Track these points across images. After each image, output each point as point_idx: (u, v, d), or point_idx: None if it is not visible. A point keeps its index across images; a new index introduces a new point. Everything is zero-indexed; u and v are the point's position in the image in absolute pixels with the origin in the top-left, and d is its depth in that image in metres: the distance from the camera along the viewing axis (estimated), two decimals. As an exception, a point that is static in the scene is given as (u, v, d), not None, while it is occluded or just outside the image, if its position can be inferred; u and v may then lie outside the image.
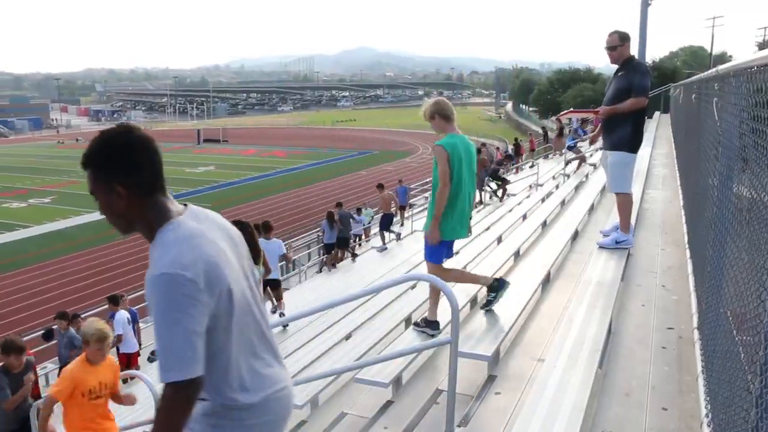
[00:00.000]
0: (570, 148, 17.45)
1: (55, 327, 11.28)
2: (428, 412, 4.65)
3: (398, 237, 18.49)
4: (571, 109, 16.12)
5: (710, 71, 5.51)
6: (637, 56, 21.54)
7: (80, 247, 30.96)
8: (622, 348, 4.48)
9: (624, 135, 5.77)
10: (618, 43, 5.86)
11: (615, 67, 6.02)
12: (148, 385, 5.49)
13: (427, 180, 24.12)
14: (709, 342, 3.74)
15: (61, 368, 11.24)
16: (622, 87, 5.72)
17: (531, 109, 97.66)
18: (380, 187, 19.71)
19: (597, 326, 4.43)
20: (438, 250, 5.37)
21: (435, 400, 4.70)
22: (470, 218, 5.55)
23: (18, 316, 21.40)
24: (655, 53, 79.88)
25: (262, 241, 10.94)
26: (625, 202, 6.16)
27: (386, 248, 17.80)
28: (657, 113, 26.46)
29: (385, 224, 18.72)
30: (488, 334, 4.93)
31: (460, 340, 4.70)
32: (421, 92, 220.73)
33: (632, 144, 5.84)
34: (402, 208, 22.50)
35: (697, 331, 4.33)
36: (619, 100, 5.70)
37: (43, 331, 13.53)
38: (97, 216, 31.08)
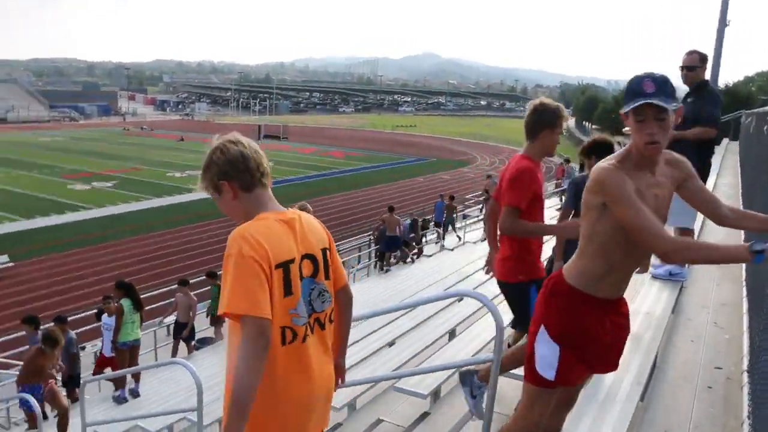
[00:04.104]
0: None
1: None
2: (463, 429, 4.64)
3: (405, 259, 18.96)
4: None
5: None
6: (710, 78, 21.00)
7: (142, 231, 31.84)
8: (665, 383, 4.37)
9: None
10: (698, 64, 5.66)
11: (683, 87, 5.84)
12: (191, 373, 5.57)
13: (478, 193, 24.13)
14: (758, 386, 3.63)
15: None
16: (689, 115, 5.46)
17: (594, 126, 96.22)
18: (390, 209, 19.75)
19: (642, 358, 4.34)
20: None
21: (472, 417, 4.67)
22: None
23: (79, 292, 22.15)
24: (728, 77, 77.83)
25: None
26: (684, 237, 5.99)
27: (390, 270, 17.92)
28: (725, 140, 25.73)
29: (390, 246, 18.75)
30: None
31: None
32: (483, 102, 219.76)
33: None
34: (437, 225, 22.68)
35: (747, 374, 4.20)
36: (685, 128, 5.47)
37: (96, 311, 13.93)
38: (157, 202, 32.47)
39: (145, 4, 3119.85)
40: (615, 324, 2.84)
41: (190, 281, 13.58)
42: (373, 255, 20.82)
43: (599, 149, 4.92)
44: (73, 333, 10.80)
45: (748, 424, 3.56)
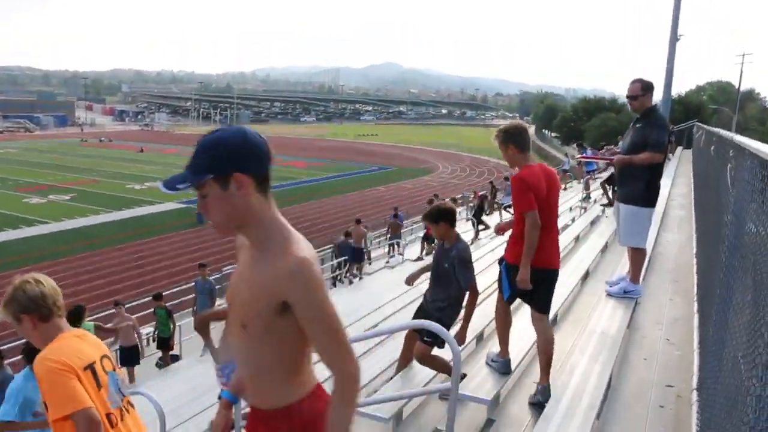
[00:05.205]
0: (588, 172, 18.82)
1: None
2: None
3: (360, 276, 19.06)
4: (584, 154, 16.66)
5: (728, 134, 5.51)
6: (663, 89, 21.43)
7: (98, 246, 31.29)
8: (619, 404, 4.50)
9: (636, 189, 5.77)
10: (639, 93, 5.78)
11: None
12: (153, 403, 5.55)
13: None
14: (706, 406, 3.76)
15: None
16: (638, 140, 5.69)
17: (553, 134, 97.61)
18: (357, 222, 20.06)
19: (597, 380, 4.46)
20: None
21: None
22: None
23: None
24: (681, 87, 79.85)
25: None
26: (637, 255, 6.19)
27: (353, 281, 18.11)
28: (679, 149, 26.35)
29: (356, 257, 18.97)
30: (491, 375, 4.97)
31: (463, 379, 4.76)
32: (444, 111, 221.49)
33: (645, 199, 5.81)
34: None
35: (696, 392, 4.34)
36: (634, 153, 5.68)
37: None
38: (116, 215, 31.63)
39: (102, 11, 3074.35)
40: None
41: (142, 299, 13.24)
42: (335, 267, 20.89)
43: (446, 215, 5.27)
44: (9, 369, 10.04)
45: (696, 444, 3.69)
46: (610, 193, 14.93)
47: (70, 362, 2.71)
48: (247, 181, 2.00)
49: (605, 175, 17.26)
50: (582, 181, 19.36)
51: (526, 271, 4.46)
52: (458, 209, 26.31)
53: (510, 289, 4.70)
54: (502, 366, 4.98)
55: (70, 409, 2.61)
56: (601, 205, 15.41)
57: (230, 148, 2.02)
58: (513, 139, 4.56)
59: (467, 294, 5.25)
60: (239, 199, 2.01)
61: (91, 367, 2.80)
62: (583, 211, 15.50)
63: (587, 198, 17.33)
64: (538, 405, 4.65)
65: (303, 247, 2.06)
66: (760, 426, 2.06)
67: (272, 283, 1.99)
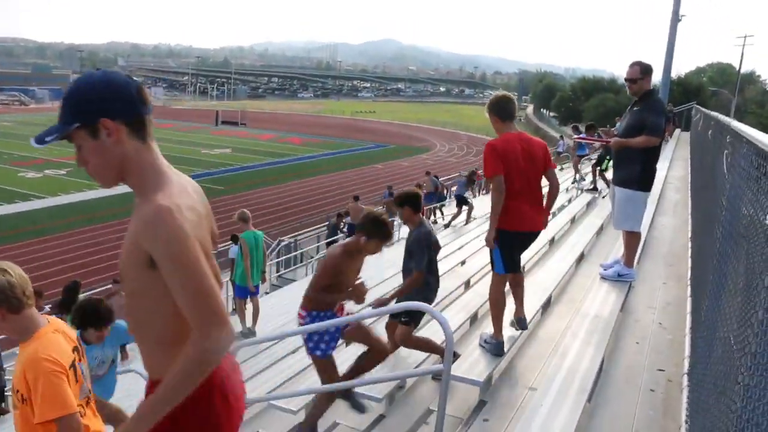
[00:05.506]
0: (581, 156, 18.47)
1: None
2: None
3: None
4: (583, 135, 16.51)
5: (726, 119, 5.48)
6: (663, 70, 21.08)
7: (95, 221, 31.22)
8: (611, 387, 4.53)
9: (632, 172, 5.74)
10: (639, 76, 5.74)
11: None
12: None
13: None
14: (696, 391, 3.80)
15: None
16: (635, 123, 5.66)
17: (552, 114, 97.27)
18: (356, 199, 20.05)
19: (589, 363, 4.49)
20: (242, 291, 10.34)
21: (425, 420, 4.79)
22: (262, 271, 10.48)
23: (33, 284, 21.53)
24: (681, 68, 79.52)
25: None
26: (631, 239, 6.19)
27: None
28: (677, 131, 26.29)
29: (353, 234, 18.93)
30: (484, 356, 5.01)
31: (456, 359, 4.80)
32: (442, 88, 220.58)
33: (641, 182, 5.78)
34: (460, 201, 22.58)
35: (687, 377, 4.37)
36: (631, 136, 5.66)
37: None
38: (113, 190, 31.44)
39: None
40: None
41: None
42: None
43: (410, 200, 5.43)
44: None
45: (685, 428, 3.72)
46: (605, 177, 14.85)
47: (63, 362, 2.68)
48: (116, 127, 1.90)
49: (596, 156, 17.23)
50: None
51: (491, 232, 4.76)
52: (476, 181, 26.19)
53: (502, 259, 4.89)
54: (495, 348, 5.04)
55: (61, 413, 2.61)
56: (585, 190, 15.35)
57: (94, 93, 1.91)
58: (494, 109, 4.89)
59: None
60: (112, 147, 1.92)
61: (72, 365, 2.77)
62: (579, 192, 15.48)
63: (580, 179, 17.27)
64: (520, 326, 5.31)
65: (174, 195, 1.92)
66: (747, 415, 2.07)
67: (136, 234, 1.89)
